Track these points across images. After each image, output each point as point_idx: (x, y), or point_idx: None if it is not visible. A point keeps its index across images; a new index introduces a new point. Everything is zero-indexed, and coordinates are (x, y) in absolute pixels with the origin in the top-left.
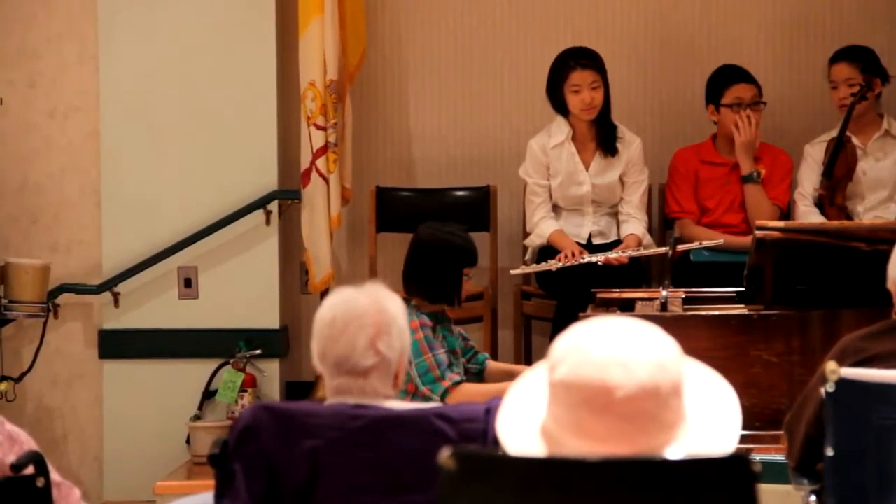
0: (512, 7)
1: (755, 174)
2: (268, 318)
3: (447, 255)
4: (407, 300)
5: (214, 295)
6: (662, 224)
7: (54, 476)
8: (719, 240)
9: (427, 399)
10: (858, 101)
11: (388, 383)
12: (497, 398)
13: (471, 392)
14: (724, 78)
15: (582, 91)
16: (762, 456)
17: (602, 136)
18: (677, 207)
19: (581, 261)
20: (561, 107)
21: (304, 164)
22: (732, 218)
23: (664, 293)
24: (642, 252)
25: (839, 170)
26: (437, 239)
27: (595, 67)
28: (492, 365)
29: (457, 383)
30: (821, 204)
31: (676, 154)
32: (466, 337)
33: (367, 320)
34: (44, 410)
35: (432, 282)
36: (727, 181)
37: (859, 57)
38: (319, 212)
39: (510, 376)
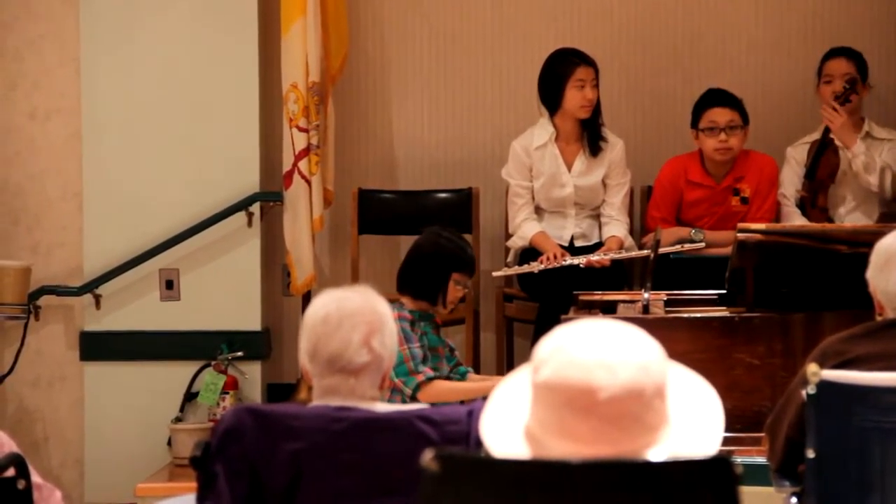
0: (495, 10)
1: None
2: (250, 320)
3: (434, 257)
4: (392, 300)
5: (196, 297)
6: (643, 226)
7: (35, 478)
8: (701, 243)
9: (400, 392)
10: (843, 103)
11: (376, 385)
12: (479, 401)
13: (442, 389)
14: (702, 102)
15: (586, 86)
16: (744, 458)
17: (588, 136)
18: (654, 226)
19: (563, 263)
20: (554, 104)
21: (287, 166)
22: None
23: (646, 295)
24: (624, 255)
25: (822, 172)
26: (431, 241)
27: (594, 65)
28: (472, 377)
29: (430, 378)
30: (803, 206)
31: (665, 166)
32: (454, 348)
33: (361, 318)
34: (25, 412)
35: (418, 280)
36: (714, 203)
37: (855, 56)
38: (301, 214)
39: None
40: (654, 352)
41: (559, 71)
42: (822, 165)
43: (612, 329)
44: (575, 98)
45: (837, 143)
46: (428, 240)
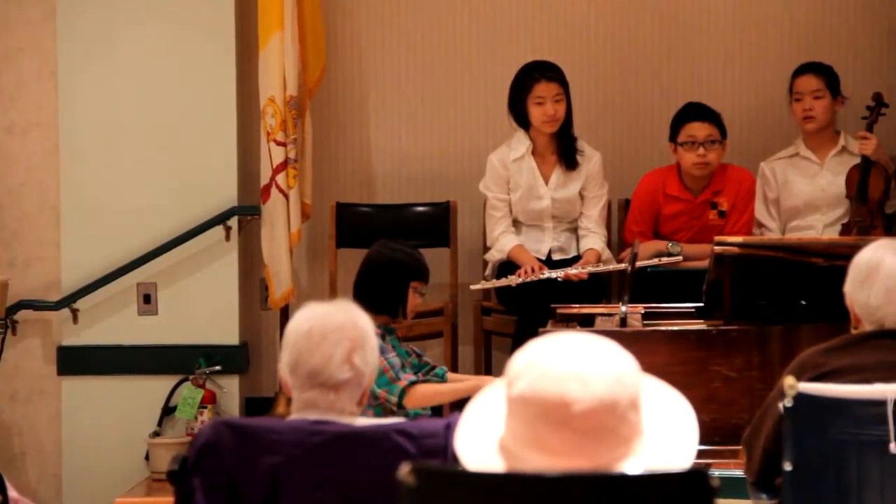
0: (472, 23)
1: None
2: (227, 334)
3: (391, 268)
4: None
5: (174, 311)
6: (621, 239)
7: (12, 493)
8: (678, 257)
9: (386, 405)
10: (871, 125)
11: (355, 400)
12: (457, 414)
13: (427, 392)
14: (681, 116)
15: (545, 103)
16: (721, 471)
17: (562, 150)
18: (632, 239)
19: (541, 276)
20: (522, 120)
21: (264, 180)
22: None
23: (624, 308)
24: (602, 268)
25: (873, 192)
26: (383, 254)
27: (558, 80)
28: (451, 377)
29: (413, 383)
30: (862, 231)
31: (643, 180)
32: (420, 353)
33: (344, 334)
34: (2, 427)
35: (377, 294)
36: (691, 216)
37: (824, 71)
38: (279, 227)
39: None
40: (628, 364)
41: (520, 87)
42: (872, 186)
43: (585, 342)
44: (536, 114)
45: (813, 157)
46: (380, 253)
